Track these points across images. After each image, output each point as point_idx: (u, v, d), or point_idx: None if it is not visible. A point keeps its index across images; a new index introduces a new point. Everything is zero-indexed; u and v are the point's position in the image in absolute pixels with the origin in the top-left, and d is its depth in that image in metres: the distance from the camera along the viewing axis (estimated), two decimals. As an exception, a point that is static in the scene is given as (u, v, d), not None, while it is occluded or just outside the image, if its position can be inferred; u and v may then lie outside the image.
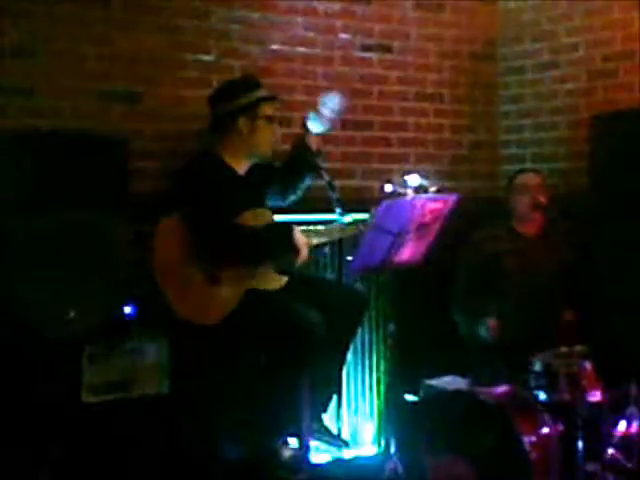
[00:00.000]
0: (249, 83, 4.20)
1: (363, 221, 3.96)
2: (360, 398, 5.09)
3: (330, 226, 4.12)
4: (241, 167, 4.17)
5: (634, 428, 4.08)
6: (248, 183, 4.18)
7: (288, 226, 4.02)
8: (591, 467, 3.95)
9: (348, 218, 4.07)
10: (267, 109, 4.14)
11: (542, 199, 4.75)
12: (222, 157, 4.13)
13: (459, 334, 4.78)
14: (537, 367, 4.04)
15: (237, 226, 3.97)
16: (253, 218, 4.06)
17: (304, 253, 3.98)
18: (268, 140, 4.16)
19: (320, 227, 4.16)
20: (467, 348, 4.72)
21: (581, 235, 4.72)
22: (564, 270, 4.70)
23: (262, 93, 4.15)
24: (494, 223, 4.89)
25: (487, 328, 4.58)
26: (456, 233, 4.53)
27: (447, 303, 4.84)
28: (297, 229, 4.01)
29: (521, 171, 4.96)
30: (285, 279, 4.08)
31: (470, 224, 4.87)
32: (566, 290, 4.65)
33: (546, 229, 4.81)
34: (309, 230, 4.12)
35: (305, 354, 3.93)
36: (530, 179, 4.81)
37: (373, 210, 3.73)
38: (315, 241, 4.07)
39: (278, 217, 4.23)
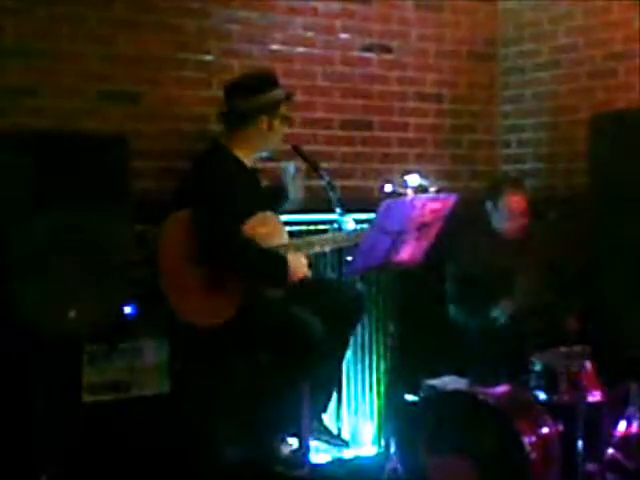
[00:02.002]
0: (270, 80, 4.22)
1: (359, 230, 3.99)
2: (360, 398, 5.09)
3: (326, 236, 4.14)
4: (249, 160, 4.20)
5: (634, 428, 4.08)
6: (256, 177, 4.22)
7: (283, 259, 3.98)
8: (591, 467, 3.95)
9: (348, 218, 4.08)
10: (285, 109, 4.17)
11: (525, 221, 4.74)
12: (232, 150, 4.14)
13: (457, 330, 4.77)
14: (537, 367, 4.05)
15: (239, 239, 3.96)
16: (261, 224, 4.06)
17: (298, 276, 4.00)
18: (280, 138, 4.20)
19: (316, 237, 4.16)
20: (466, 347, 4.72)
21: (581, 235, 4.72)
22: (552, 269, 4.69)
23: (282, 92, 4.17)
24: (476, 228, 4.87)
25: (501, 311, 4.55)
26: (456, 233, 4.53)
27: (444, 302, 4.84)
28: (292, 256, 4.00)
29: (505, 189, 4.81)
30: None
31: (470, 224, 4.87)
32: (558, 290, 4.65)
33: (528, 230, 4.79)
34: (305, 240, 4.13)
35: (305, 359, 3.93)
36: (517, 205, 4.75)
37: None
38: (312, 251, 4.10)
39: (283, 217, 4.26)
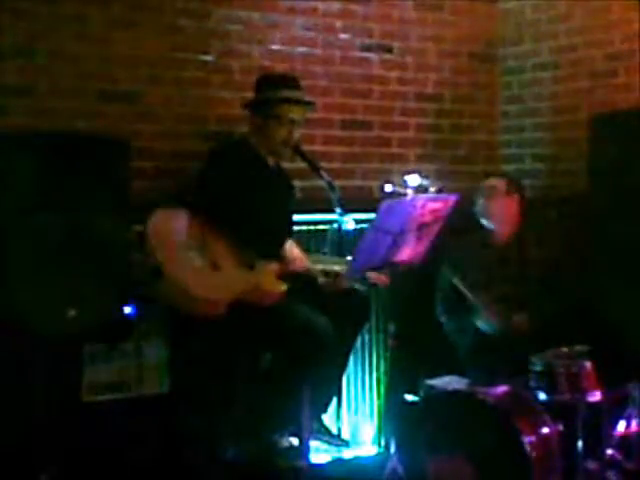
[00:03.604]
0: (276, 80, 4.22)
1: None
2: (360, 398, 5.09)
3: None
4: (269, 157, 4.22)
5: (634, 428, 4.08)
6: (276, 175, 4.24)
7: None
8: (591, 467, 3.95)
9: (348, 218, 4.08)
10: (281, 110, 4.12)
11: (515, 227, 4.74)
12: (255, 145, 4.18)
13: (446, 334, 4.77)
14: (537, 367, 4.05)
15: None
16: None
17: (294, 265, 4.03)
18: (279, 140, 4.15)
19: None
20: (465, 348, 4.71)
21: (581, 235, 4.72)
22: (543, 271, 4.69)
23: (282, 93, 4.14)
24: (466, 231, 4.85)
25: (487, 319, 4.54)
26: (455, 233, 4.53)
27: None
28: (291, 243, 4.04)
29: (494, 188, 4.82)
30: (285, 286, 4.01)
31: (469, 224, 4.86)
32: (550, 292, 4.64)
33: (518, 234, 4.78)
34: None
35: (311, 359, 3.92)
36: (508, 208, 4.76)
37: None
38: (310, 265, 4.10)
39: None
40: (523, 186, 4.87)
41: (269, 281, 3.99)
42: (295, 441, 4.15)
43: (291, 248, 4.11)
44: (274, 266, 3.96)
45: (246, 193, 3.99)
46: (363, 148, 5.25)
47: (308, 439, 4.13)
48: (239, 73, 4.75)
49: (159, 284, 3.77)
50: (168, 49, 4.60)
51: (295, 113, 4.17)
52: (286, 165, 4.47)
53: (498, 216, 4.72)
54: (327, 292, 4.14)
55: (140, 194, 4.16)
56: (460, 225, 4.67)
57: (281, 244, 4.18)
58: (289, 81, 4.23)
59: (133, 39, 4.49)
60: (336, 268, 4.11)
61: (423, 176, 4.09)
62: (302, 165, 4.34)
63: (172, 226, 3.89)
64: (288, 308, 3.96)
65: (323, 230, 4.65)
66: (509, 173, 5.37)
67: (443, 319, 4.79)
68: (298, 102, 4.19)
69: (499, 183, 4.76)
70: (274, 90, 4.14)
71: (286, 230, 4.32)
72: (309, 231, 4.77)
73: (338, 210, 4.08)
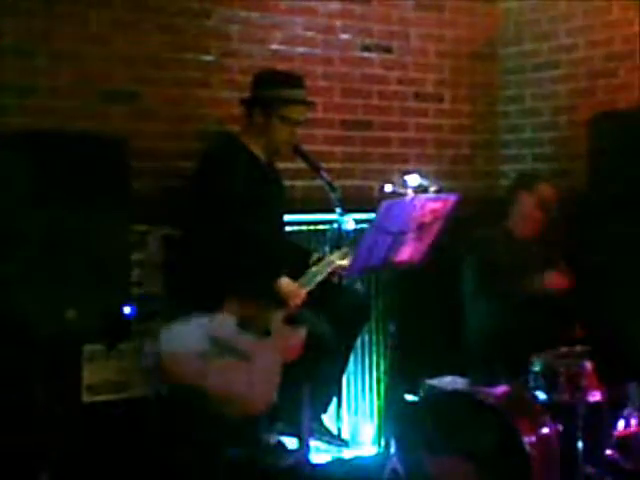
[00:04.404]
0: (280, 79, 4.19)
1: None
2: (360, 398, 5.09)
3: (321, 264, 4.11)
4: (262, 154, 4.18)
5: (633, 428, 4.09)
6: (269, 173, 4.21)
7: (273, 275, 3.95)
8: (590, 467, 3.95)
9: (348, 218, 4.08)
10: (286, 110, 4.09)
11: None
12: (243, 141, 4.15)
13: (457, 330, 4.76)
14: (537, 367, 4.05)
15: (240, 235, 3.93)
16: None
17: (295, 302, 3.94)
18: (281, 139, 4.14)
19: (312, 270, 4.10)
20: (467, 348, 4.71)
21: (581, 235, 4.72)
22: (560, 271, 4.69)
23: (288, 93, 4.11)
24: (491, 225, 4.86)
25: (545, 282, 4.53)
26: (456, 233, 4.53)
27: (449, 301, 4.81)
28: (285, 280, 3.95)
29: (536, 178, 4.89)
30: (303, 329, 3.92)
31: (470, 224, 4.87)
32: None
33: (543, 231, 4.78)
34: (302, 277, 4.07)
35: (311, 360, 3.92)
36: (548, 192, 4.79)
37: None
38: (310, 287, 4.02)
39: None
40: None
41: (289, 335, 3.91)
42: (293, 441, 4.15)
43: (284, 282, 3.96)
44: (281, 316, 3.91)
45: (247, 194, 3.98)
46: (363, 148, 5.25)
47: (308, 439, 4.13)
48: (239, 73, 4.74)
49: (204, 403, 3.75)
50: (168, 49, 4.59)
51: (299, 114, 4.15)
52: (286, 165, 4.47)
53: (531, 221, 4.73)
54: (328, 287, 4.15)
55: (140, 194, 4.16)
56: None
57: (280, 259, 4.09)
58: (293, 80, 4.20)
59: (133, 39, 4.49)
60: (333, 267, 4.10)
61: (423, 176, 4.09)
62: (302, 165, 4.35)
63: (188, 340, 3.80)
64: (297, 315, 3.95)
65: (323, 230, 4.66)
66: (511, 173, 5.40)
67: (479, 304, 4.73)
68: (302, 102, 4.18)
69: (552, 193, 4.77)
70: (278, 89, 4.11)
71: (283, 233, 4.31)
72: (309, 231, 4.77)
73: (338, 210, 4.08)
